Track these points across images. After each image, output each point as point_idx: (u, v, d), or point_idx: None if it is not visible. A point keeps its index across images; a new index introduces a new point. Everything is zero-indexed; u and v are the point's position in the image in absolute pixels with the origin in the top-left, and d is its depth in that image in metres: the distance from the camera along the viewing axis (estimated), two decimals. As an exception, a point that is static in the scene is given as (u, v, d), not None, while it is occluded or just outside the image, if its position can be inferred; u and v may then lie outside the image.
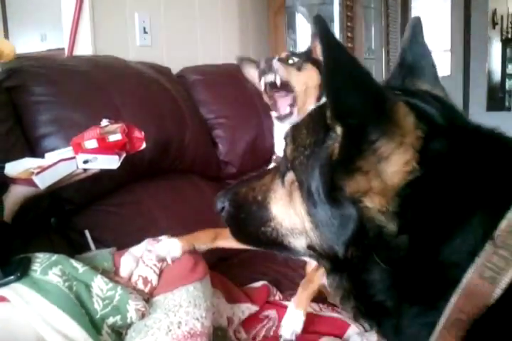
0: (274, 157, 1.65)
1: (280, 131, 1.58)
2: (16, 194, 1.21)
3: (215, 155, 2.14)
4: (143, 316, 1.14)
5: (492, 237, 0.48)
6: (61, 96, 1.61)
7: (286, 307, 1.52)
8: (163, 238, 1.32)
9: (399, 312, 0.54)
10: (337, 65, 0.51)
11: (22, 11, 4.18)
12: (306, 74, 1.48)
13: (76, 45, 2.09)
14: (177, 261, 1.26)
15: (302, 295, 1.35)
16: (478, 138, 0.55)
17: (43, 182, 1.19)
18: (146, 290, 1.21)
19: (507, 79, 6.54)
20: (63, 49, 2.17)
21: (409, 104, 0.54)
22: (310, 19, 3.23)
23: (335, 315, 1.47)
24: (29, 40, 4.08)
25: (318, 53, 1.46)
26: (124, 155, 1.29)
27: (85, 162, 1.24)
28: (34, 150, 1.53)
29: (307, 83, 1.47)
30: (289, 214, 0.63)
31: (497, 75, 6.47)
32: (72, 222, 1.61)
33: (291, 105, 1.48)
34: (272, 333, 1.42)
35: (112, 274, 1.21)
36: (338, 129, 0.54)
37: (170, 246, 1.26)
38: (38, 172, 1.18)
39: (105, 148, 1.24)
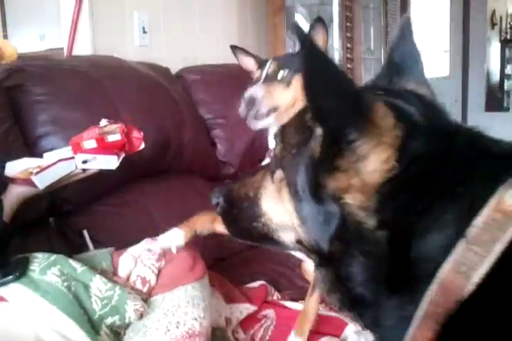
0: (269, 153, 1.63)
1: (274, 128, 1.55)
2: (15, 194, 1.22)
3: (214, 155, 2.15)
4: (141, 316, 1.14)
5: (465, 234, 0.50)
6: (60, 96, 1.62)
7: (284, 306, 1.53)
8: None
9: (378, 305, 0.56)
10: (315, 69, 0.53)
11: (21, 10, 4.17)
12: (296, 89, 1.37)
13: (75, 44, 2.09)
14: (175, 261, 1.26)
15: (303, 325, 1.34)
16: (456, 137, 0.56)
17: (42, 182, 1.19)
18: (145, 290, 1.21)
19: (506, 80, 6.55)
20: (62, 49, 2.17)
21: (390, 104, 0.56)
22: (309, 19, 3.23)
23: (332, 314, 1.47)
24: (28, 39, 4.07)
25: None
26: (123, 155, 1.29)
27: (84, 162, 1.24)
28: (33, 150, 1.53)
29: (296, 97, 1.37)
30: (279, 210, 0.65)
31: (496, 76, 6.47)
32: (70, 221, 1.61)
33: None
34: (269, 332, 1.42)
35: (110, 274, 1.21)
36: (318, 130, 0.57)
37: (172, 236, 1.26)
38: (37, 172, 1.18)
39: (104, 148, 1.24)
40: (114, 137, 1.25)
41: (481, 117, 6.09)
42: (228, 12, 2.82)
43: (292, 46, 3.19)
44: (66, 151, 1.26)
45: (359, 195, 0.54)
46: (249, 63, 1.50)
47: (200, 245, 1.39)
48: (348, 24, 3.00)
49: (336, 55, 3.20)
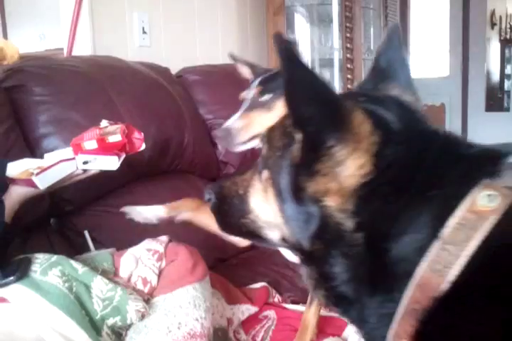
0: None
1: None
2: (16, 194, 1.21)
3: (215, 155, 2.14)
4: (143, 317, 1.14)
5: (438, 234, 0.52)
6: (60, 96, 1.61)
7: (285, 308, 1.53)
8: (163, 238, 1.32)
9: (361, 303, 0.59)
10: (295, 79, 0.55)
11: (21, 10, 4.17)
12: (280, 112, 1.35)
13: (75, 45, 2.09)
14: (176, 261, 1.26)
15: (303, 336, 1.35)
16: (431, 142, 0.59)
17: (43, 182, 1.19)
18: (146, 290, 1.22)
19: (506, 80, 6.55)
20: (62, 49, 2.17)
21: (369, 111, 0.59)
22: (309, 19, 3.23)
23: (333, 314, 1.47)
24: (28, 39, 4.07)
25: None
26: (123, 156, 1.28)
27: (85, 163, 1.24)
28: (33, 150, 1.53)
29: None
30: (265, 208, 0.67)
31: (496, 76, 6.47)
32: (71, 222, 1.61)
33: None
34: (270, 333, 1.42)
35: (111, 275, 1.21)
36: (298, 136, 0.59)
37: (154, 210, 1.32)
38: (38, 173, 1.18)
39: (105, 148, 1.24)
40: (115, 138, 1.25)
41: (481, 117, 6.10)
42: (228, 12, 2.82)
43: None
44: (67, 152, 1.26)
45: (337, 197, 0.57)
46: (245, 72, 1.51)
47: (201, 246, 1.39)
48: (347, 24, 3.00)
49: (336, 55, 3.20)
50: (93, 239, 1.54)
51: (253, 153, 2.12)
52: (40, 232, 1.52)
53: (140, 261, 1.26)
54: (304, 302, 1.41)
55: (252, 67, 1.49)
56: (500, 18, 6.27)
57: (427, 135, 0.61)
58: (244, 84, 1.44)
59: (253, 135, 1.35)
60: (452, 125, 5.80)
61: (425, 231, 0.54)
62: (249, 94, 1.38)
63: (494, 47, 6.35)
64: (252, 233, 0.72)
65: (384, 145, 0.56)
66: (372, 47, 3.48)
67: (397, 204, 0.55)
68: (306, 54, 3.22)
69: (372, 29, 3.46)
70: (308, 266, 0.64)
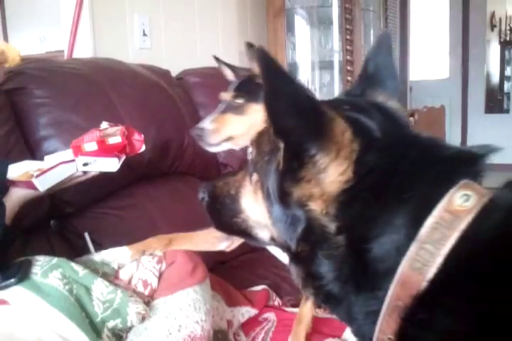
0: None
1: None
2: (16, 196, 1.21)
3: (215, 157, 2.14)
4: (143, 319, 1.14)
5: (416, 234, 0.55)
6: (61, 98, 1.62)
7: (285, 311, 1.52)
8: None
9: (348, 301, 0.61)
10: (276, 91, 0.58)
11: (21, 12, 4.18)
12: (252, 116, 1.39)
13: (75, 47, 2.10)
14: (176, 264, 1.26)
15: (298, 331, 1.35)
16: (410, 148, 0.61)
17: (43, 184, 1.19)
18: (146, 292, 1.22)
19: (505, 82, 6.56)
20: (62, 51, 2.17)
21: (351, 119, 0.61)
22: (309, 21, 3.23)
23: (332, 316, 1.47)
24: (28, 42, 4.08)
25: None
26: (123, 157, 1.29)
27: (85, 164, 1.24)
28: (34, 152, 1.53)
29: (253, 123, 1.38)
30: (255, 209, 0.70)
31: (495, 78, 6.48)
32: (71, 224, 1.61)
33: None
34: (270, 335, 1.42)
35: (112, 277, 1.21)
36: (281, 144, 0.61)
37: (119, 253, 1.27)
38: (38, 175, 1.18)
39: (105, 150, 1.24)
40: (115, 139, 1.25)
41: (480, 119, 6.10)
42: (228, 15, 2.82)
43: (292, 48, 3.20)
44: (67, 154, 1.26)
45: (321, 202, 0.60)
46: (228, 74, 1.55)
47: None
48: (347, 26, 3.01)
49: (336, 57, 3.21)
50: (93, 241, 1.54)
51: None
52: (40, 234, 1.52)
53: (140, 263, 1.26)
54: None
55: (233, 69, 1.54)
56: (500, 19, 6.29)
57: (406, 140, 0.63)
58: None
59: (225, 137, 1.40)
60: (452, 127, 5.80)
61: (402, 231, 0.56)
62: (226, 96, 1.44)
63: (494, 49, 6.36)
64: (244, 232, 0.75)
65: (364, 152, 0.59)
66: (372, 49, 3.48)
67: (376, 207, 0.58)
68: (306, 56, 3.23)
69: (372, 31, 3.46)
70: (296, 265, 0.66)
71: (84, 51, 2.09)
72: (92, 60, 1.92)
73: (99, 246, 1.52)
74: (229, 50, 2.74)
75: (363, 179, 0.58)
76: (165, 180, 1.91)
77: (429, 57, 6.51)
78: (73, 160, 1.24)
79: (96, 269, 1.20)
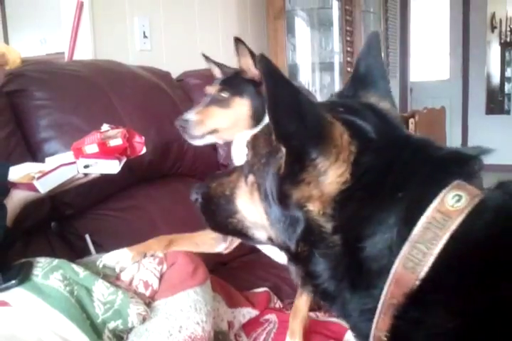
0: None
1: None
2: (17, 198, 1.22)
3: (215, 158, 2.15)
4: (144, 320, 1.14)
5: (409, 233, 0.56)
6: (61, 100, 1.62)
7: (286, 313, 1.52)
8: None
9: (344, 299, 0.62)
10: (278, 97, 0.59)
11: (22, 14, 4.19)
12: (236, 110, 1.41)
13: (76, 49, 2.10)
14: (177, 265, 1.26)
15: (294, 325, 1.35)
16: (404, 149, 0.62)
17: (44, 186, 1.19)
18: (147, 293, 1.22)
19: (506, 83, 6.56)
20: (63, 53, 2.17)
21: (347, 122, 0.62)
22: (310, 23, 3.24)
23: (333, 319, 1.47)
24: (29, 44, 4.09)
25: (248, 70, 1.41)
26: (124, 159, 1.29)
27: (86, 166, 1.24)
28: (35, 154, 1.53)
29: (238, 117, 1.40)
30: (251, 210, 0.71)
31: (496, 79, 6.48)
32: (72, 226, 1.61)
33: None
34: (272, 335, 1.42)
35: (113, 278, 1.22)
36: (283, 149, 0.62)
37: (120, 256, 1.26)
38: (39, 177, 1.18)
39: (106, 152, 1.24)
40: (116, 142, 1.25)
41: (481, 120, 6.10)
42: (228, 16, 2.83)
43: (292, 50, 3.20)
44: (68, 156, 1.26)
45: (319, 203, 0.61)
46: (216, 72, 1.56)
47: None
48: (348, 28, 3.01)
49: (336, 59, 3.21)
50: (94, 243, 1.54)
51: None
52: (41, 236, 1.52)
53: (141, 264, 1.26)
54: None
55: (220, 67, 1.56)
56: (501, 21, 6.29)
57: (400, 141, 0.64)
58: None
59: (209, 130, 1.41)
60: (453, 128, 5.79)
61: (395, 230, 0.57)
62: (211, 89, 1.44)
63: (494, 50, 6.35)
64: (240, 232, 0.76)
65: (361, 154, 0.60)
66: (372, 51, 3.48)
67: (370, 207, 0.59)
68: (307, 57, 3.23)
69: (372, 32, 3.46)
70: (296, 265, 0.67)
71: (84, 53, 2.10)
72: (93, 62, 1.93)
73: (99, 248, 1.52)
74: (229, 52, 2.74)
75: (358, 180, 0.60)
76: (165, 181, 1.91)
77: (429, 59, 6.51)
78: (74, 162, 1.24)
79: (97, 271, 1.20)
